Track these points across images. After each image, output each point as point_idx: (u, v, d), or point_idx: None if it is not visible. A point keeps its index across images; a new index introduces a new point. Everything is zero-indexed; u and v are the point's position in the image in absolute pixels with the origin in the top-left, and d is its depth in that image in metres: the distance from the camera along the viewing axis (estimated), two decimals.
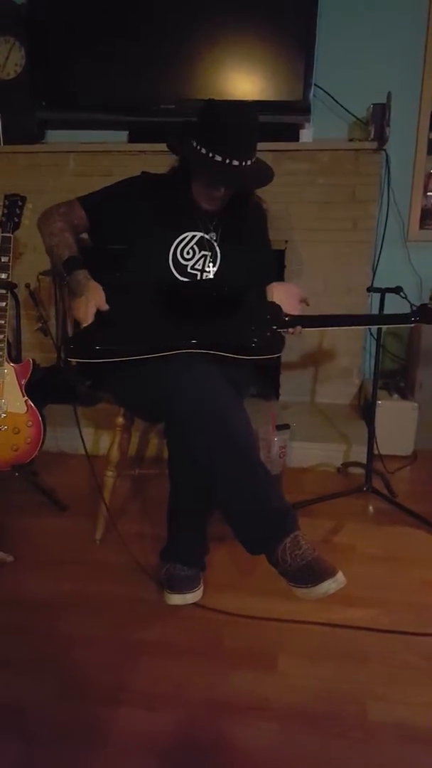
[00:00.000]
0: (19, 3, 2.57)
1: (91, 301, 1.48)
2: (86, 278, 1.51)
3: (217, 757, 1.11)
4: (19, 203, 2.02)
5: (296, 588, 1.27)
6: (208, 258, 1.63)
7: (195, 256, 1.62)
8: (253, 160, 1.51)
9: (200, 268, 1.63)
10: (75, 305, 1.50)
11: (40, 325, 2.74)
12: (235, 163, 1.46)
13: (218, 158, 1.46)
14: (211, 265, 1.63)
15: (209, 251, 1.63)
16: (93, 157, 2.67)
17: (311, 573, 1.25)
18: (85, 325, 1.48)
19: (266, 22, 2.42)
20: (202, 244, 1.63)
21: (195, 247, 1.62)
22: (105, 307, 1.50)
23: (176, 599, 1.48)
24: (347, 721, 1.19)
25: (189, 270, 1.62)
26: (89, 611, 1.50)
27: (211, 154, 1.46)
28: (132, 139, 2.72)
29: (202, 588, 1.52)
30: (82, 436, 1.77)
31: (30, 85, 2.60)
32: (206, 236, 1.63)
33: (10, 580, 1.62)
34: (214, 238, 1.64)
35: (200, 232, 1.63)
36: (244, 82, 2.48)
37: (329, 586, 1.24)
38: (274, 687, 1.27)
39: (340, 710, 1.21)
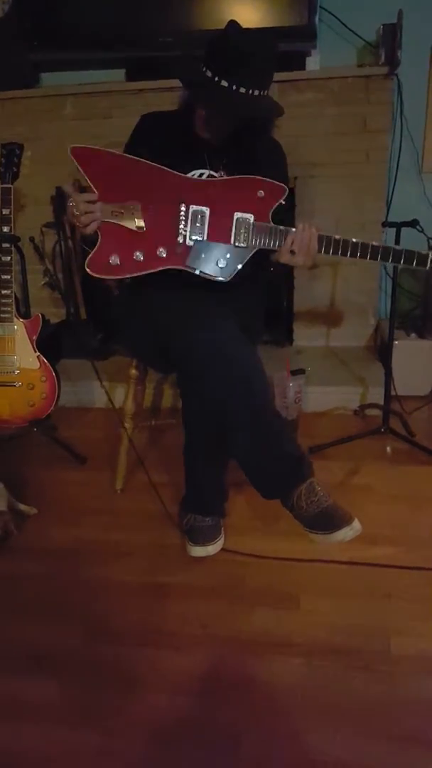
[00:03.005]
0: None
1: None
2: None
3: (244, 692, 1.15)
4: (17, 152, 1.95)
5: (313, 533, 1.28)
6: None
7: None
8: (264, 91, 1.40)
9: None
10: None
11: (47, 279, 2.70)
12: (242, 90, 1.36)
13: (224, 83, 1.36)
14: None
15: None
16: (91, 98, 2.55)
17: (328, 520, 1.26)
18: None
19: None
20: None
21: None
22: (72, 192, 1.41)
23: (199, 551, 1.50)
24: (370, 655, 1.21)
25: None
26: (113, 558, 1.53)
27: (217, 79, 1.36)
28: (130, 77, 2.58)
29: (223, 536, 1.54)
30: (106, 389, 1.76)
31: (19, 24, 2.45)
32: (215, 174, 1.54)
33: (36, 531, 1.65)
34: (223, 176, 1.55)
35: (208, 169, 1.54)
36: (244, 7, 2.32)
37: (346, 533, 1.25)
38: (297, 624, 1.30)
39: (363, 645, 1.24)
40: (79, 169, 1.39)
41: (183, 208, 1.41)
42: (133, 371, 1.74)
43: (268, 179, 1.43)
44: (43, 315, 1.98)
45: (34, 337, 1.93)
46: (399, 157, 2.54)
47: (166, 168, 1.42)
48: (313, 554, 1.47)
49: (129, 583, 1.44)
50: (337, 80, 2.41)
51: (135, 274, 1.41)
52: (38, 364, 1.93)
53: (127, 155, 1.45)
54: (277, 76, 2.30)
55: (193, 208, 1.41)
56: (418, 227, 1.83)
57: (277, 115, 1.47)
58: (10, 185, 1.93)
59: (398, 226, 1.85)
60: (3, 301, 1.91)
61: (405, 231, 1.85)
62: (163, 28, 2.37)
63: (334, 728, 1.07)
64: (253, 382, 1.33)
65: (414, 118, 2.52)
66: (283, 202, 1.47)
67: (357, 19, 2.41)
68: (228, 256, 1.42)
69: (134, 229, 1.40)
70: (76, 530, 1.64)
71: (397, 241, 1.85)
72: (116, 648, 1.26)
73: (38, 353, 1.93)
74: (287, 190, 1.46)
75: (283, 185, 1.46)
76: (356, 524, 1.28)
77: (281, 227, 1.42)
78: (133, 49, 2.48)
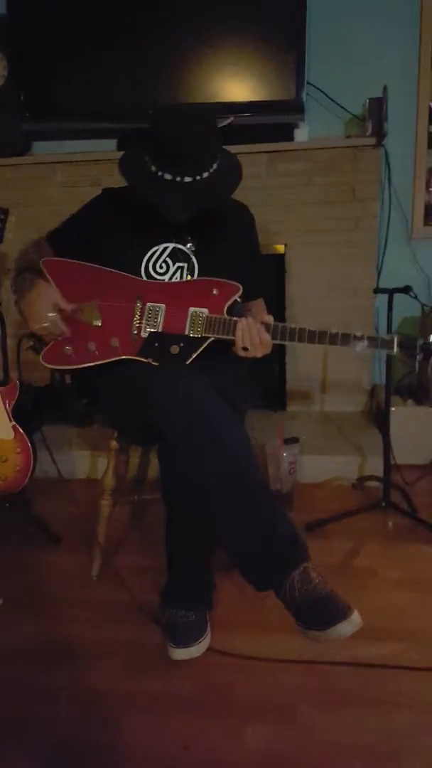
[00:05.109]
0: None
1: (45, 295, 1.41)
2: (36, 278, 1.45)
3: None
4: (1, 216, 1.92)
5: (306, 630, 1.12)
6: (185, 270, 1.49)
7: (169, 270, 1.48)
8: (198, 176, 1.35)
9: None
10: (28, 301, 1.43)
11: (32, 343, 2.62)
12: (167, 177, 1.34)
13: (153, 169, 1.35)
14: (189, 277, 1.48)
15: (185, 262, 1.48)
16: (80, 167, 2.58)
17: (323, 613, 1.10)
18: (41, 326, 1.41)
19: (255, 21, 2.32)
20: (176, 255, 1.48)
21: (168, 259, 1.48)
22: (65, 306, 1.41)
23: (181, 654, 1.32)
24: None
25: None
26: (84, 660, 1.34)
27: (153, 168, 1.36)
28: (121, 147, 2.61)
29: (209, 635, 1.37)
30: (54, 460, 1.64)
31: (14, 96, 2.51)
32: (180, 247, 1.48)
33: None
34: (191, 248, 1.49)
35: (172, 243, 1.48)
36: (233, 83, 2.39)
37: (343, 629, 1.08)
38: (294, 743, 1.11)
39: None
40: (48, 278, 1.47)
41: (139, 305, 1.44)
42: (114, 443, 1.62)
43: (222, 280, 1.44)
44: (20, 381, 1.88)
45: (11, 405, 1.82)
46: (388, 224, 2.55)
47: (125, 273, 1.46)
48: (310, 654, 1.30)
49: (101, 693, 1.25)
50: (325, 151, 2.45)
51: (87, 365, 1.43)
52: (13, 434, 1.80)
53: (89, 264, 1.48)
54: (266, 147, 2.41)
55: (149, 304, 1.44)
56: (411, 293, 1.77)
57: (208, 204, 1.40)
58: None
59: (390, 292, 1.80)
60: None
61: (397, 297, 1.79)
62: (152, 101, 2.41)
63: None
64: (233, 451, 1.21)
65: (402, 186, 2.55)
66: (239, 300, 1.48)
67: (343, 93, 2.48)
68: (182, 345, 1.41)
69: (91, 324, 1.45)
70: (44, 625, 1.46)
71: (390, 307, 1.79)
72: None
73: (14, 422, 1.81)
74: (241, 289, 1.46)
75: (237, 285, 1.46)
76: (355, 617, 1.10)
77: (234, 318, 1.41)
78: (123, 120, 2.52)
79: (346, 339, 1.39)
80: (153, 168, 1.35)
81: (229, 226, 1.55)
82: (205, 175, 1.36)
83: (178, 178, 1.34)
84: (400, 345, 1.41)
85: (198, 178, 1.35)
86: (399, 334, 1.45)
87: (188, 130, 1.34)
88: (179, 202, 1.37)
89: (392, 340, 1.41)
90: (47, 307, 1.41)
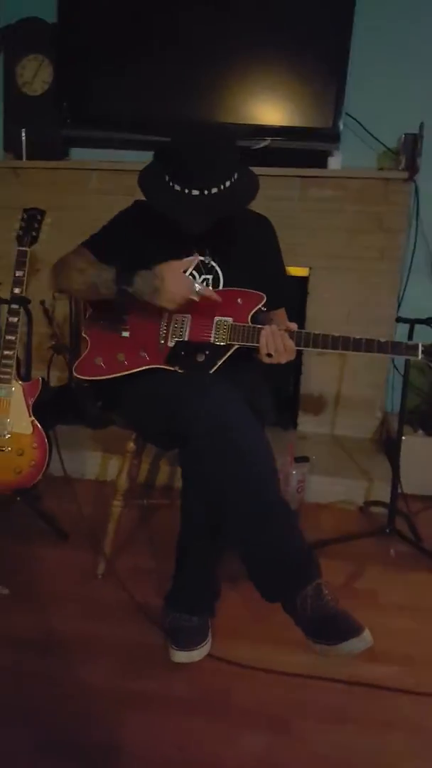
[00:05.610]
0: (50, 22, 2.58)
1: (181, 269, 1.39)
2: (151, 272, 1.39)
3: None
4: (38, 217, 1.97)
5: (316, 644, 1.14)
6: (210, 282, 1.54)
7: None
8: (209, 190, 1.38)
9: None
10: (170, 288, 1.36)
11: (53, 343, 2.68)
12: (177, 188, 1.38)
13: (167, 180, 1.40)
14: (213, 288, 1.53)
15: (210, 274, 1.54)
16: (115, 175, 2.63)
17: (334, 628, 1.13)
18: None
19: (297, 48, 2.38)
20: (201, 268, 1.53)
21: (194, 272, 1.53)
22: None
23: (182, 657, 1.33)
24: None
25: None
26: (84, 655, 1.37)
27: (167, 179, 1.40)
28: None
29: (210, 641, 1.38)
30: (60, 458, 1.67)
31: (56, 102, 2.59)
32: (205, 259, 1.53)
33: (2, 615, 1.49)
34: (214, 260, 1.54)
35: (198, 256, 1.52)
36: (272, 107, 2.45)
37: (355, 645, 1.11)
38: (287, 753, 1.13)
39: None
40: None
41: (166, 315, 1.49)
42: (131, 444, 1.65)
43: (247, 290, 1.49)
44: (43, 379, 1.92)
45: (31, 401, 1.86)
46: (413, 256, 2.58)
47: None
48: (308, 669, 1.31)
49: (98, 687, 1.27)
50: (357, 180, 2.49)
51: (118, 375, 1.48)
52: (31, 429, 1.84)
53: None
54: (300, 172, 2.47)
55: (176, 314, 1.49)
56: None
57: (217, 218, 1.40)
58: (26, 249, 1.93)
59: (412, 322, 1.83)
60: (4, 362, 1.86)
61: (418, 327, 1.82)
62: (192, 117, 2.47)
63: None
64: (257, 462, 1.25)
65: (429, 220, 2.59)
66: (263, 309, 1.51)
67: (379, 126, 2.53)
68: (207, 353, 1.45)
69: (120, 335, 1.51)
70: (46, 618, 1.49)
71: (410, 337, 1.82)
72: (74, 765, 1.08)
73: (33, 418, 1.85)
74: (264, 298, 1.50)
75: (261, 294, 1.50)
76: (367, 635, 1.14)
77: (258, 326, 1.44)
78: (158, 133, 2.58)
79: (369, 345, 1.42)
80: (167, 178, 1.40)
81: (247, 238, 1.59)
82: (215, 190, 1.39)
83: (187, 190, 1.38)
84: (424, 352, 1.43)
85: (206, 192, 1.38)
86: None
87: (200, 145, 1.39)
88: (188, 211, 1.39)
89: (417, 346, 1.43)
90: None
